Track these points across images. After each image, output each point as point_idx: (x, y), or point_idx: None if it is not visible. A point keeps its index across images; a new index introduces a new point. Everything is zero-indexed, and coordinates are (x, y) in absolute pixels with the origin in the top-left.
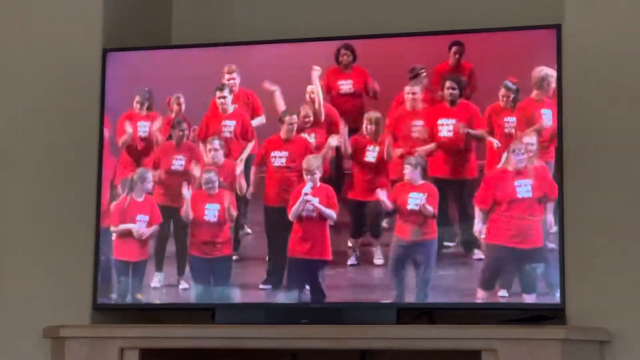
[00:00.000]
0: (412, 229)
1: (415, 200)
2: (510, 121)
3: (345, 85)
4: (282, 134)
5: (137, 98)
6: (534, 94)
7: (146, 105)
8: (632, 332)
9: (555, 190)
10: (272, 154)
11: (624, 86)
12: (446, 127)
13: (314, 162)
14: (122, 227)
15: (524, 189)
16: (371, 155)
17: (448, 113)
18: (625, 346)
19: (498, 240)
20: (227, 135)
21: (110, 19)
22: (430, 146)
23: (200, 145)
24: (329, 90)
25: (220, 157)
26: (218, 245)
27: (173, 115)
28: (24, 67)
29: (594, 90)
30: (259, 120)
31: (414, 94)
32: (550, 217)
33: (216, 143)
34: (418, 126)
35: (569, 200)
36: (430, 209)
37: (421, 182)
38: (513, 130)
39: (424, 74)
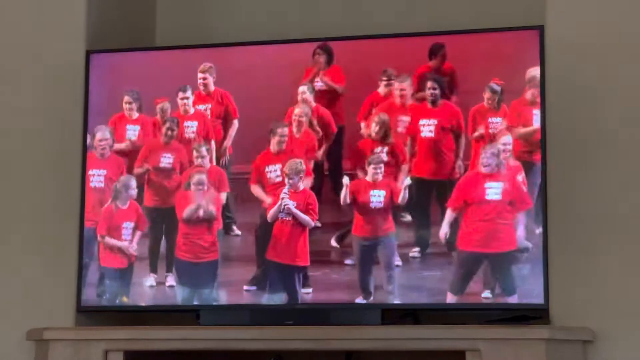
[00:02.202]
0: (372, 225)
1: (377, 198)
2: (495, 121)
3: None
4: (272, 147)
5: (126, 99)
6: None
7: (136, 107)
8: (615, 332)
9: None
10: (267, 168)
11: (607, 86)
12: (427, 128)
13: (293, 166)
14: (110, 241)
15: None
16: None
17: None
18: (608, 346)
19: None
20: (190, 136)
21: (93, 20)
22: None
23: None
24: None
25: (207, 163)
26: (205, 248)
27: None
28: (7, 68)
29: (578, 90)
30: (234, 124)
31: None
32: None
33: (203, 150)
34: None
35: (553, 200)
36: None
37: (381, 179)
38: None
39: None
